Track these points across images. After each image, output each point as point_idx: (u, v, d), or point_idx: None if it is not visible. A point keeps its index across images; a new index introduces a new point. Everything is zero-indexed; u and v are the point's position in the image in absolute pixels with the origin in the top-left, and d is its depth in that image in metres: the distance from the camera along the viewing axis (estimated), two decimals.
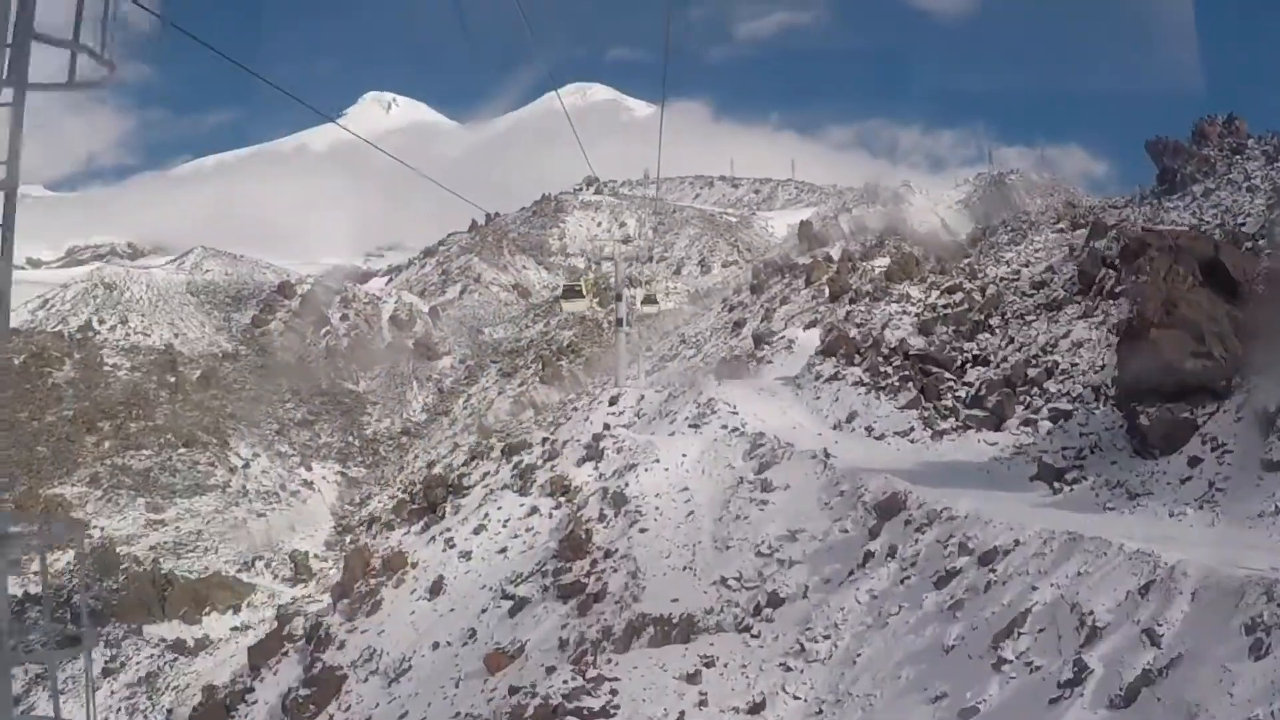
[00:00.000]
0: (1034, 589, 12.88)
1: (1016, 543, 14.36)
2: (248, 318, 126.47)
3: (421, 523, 30.15)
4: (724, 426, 25.70)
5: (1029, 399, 25.82)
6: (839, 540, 18.58)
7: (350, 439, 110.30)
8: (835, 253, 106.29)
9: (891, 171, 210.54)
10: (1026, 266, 45.50)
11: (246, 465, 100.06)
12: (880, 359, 29.19)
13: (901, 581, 15.67)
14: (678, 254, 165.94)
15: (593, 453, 26.95)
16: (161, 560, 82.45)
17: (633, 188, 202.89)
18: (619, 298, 39.95)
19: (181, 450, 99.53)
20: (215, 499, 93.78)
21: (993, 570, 14.07)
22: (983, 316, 34.32)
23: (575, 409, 38.98)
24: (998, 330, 32.74)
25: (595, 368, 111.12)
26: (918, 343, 33.60)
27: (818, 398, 28.23)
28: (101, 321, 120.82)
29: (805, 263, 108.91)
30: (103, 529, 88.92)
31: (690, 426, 26.89)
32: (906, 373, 28.19)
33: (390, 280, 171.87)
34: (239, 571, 79.97)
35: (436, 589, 24.89)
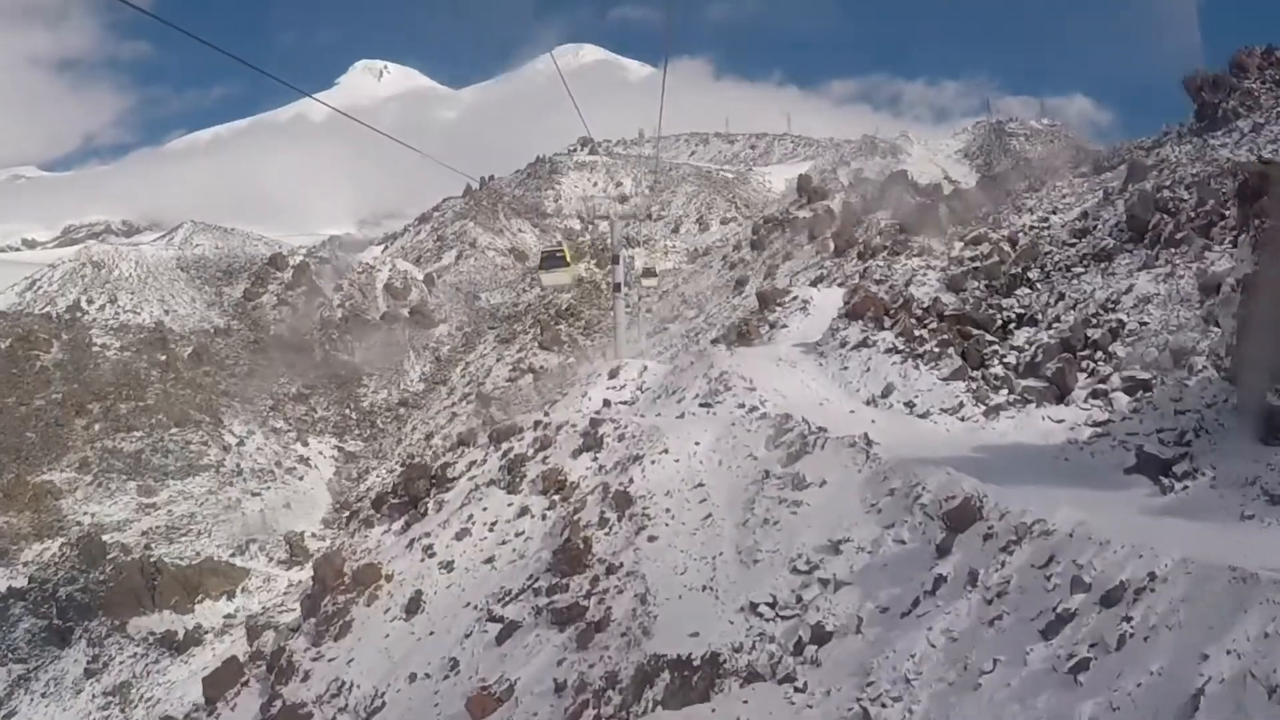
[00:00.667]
0: (1203, 656, 9.05)
1: (1152, 576, 10.53)
2: (239, 292, 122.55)
3: (402, 520, 26.36)
4: (741, 405, 21.85)
5: (1093, 366, 21.93)
6: (895, 554, 14.80)
7: (347, 412, 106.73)
8: (836, 206, 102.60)
9: (892, 124, 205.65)
10: (1054, 214, 41.53)
11: (241, 443, 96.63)
12: (913, 321, 25.25)
13: (991, 623, 11.83)
14: (675, 212, 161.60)
15: (591, 441, 23.05)
16: (154, 546, 79.24)
17: (627, 147, 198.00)
18: (616, 260, 35.88)
19: (173, 430, 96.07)
20: (208, 480, 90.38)
21: (1126, 619, 10.23)
22: (1020, 269, 30.39)
23: (573, 384, 34.91)
24: (1039, 285, 28.87)
25: (594, 330, 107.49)
26: (949, 301, 29.70)
27: (845, 368, 24.33)
28: (90, 301, 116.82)
29: (806, 217, 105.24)
30: (93, 515, 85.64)
31: (702, 406, 23.04)
32: (945, 336, 24.27)
33: (386, 249, 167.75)
34: (232, 556, 76.76)
35: (414, 607, 21.19)
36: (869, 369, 23.82)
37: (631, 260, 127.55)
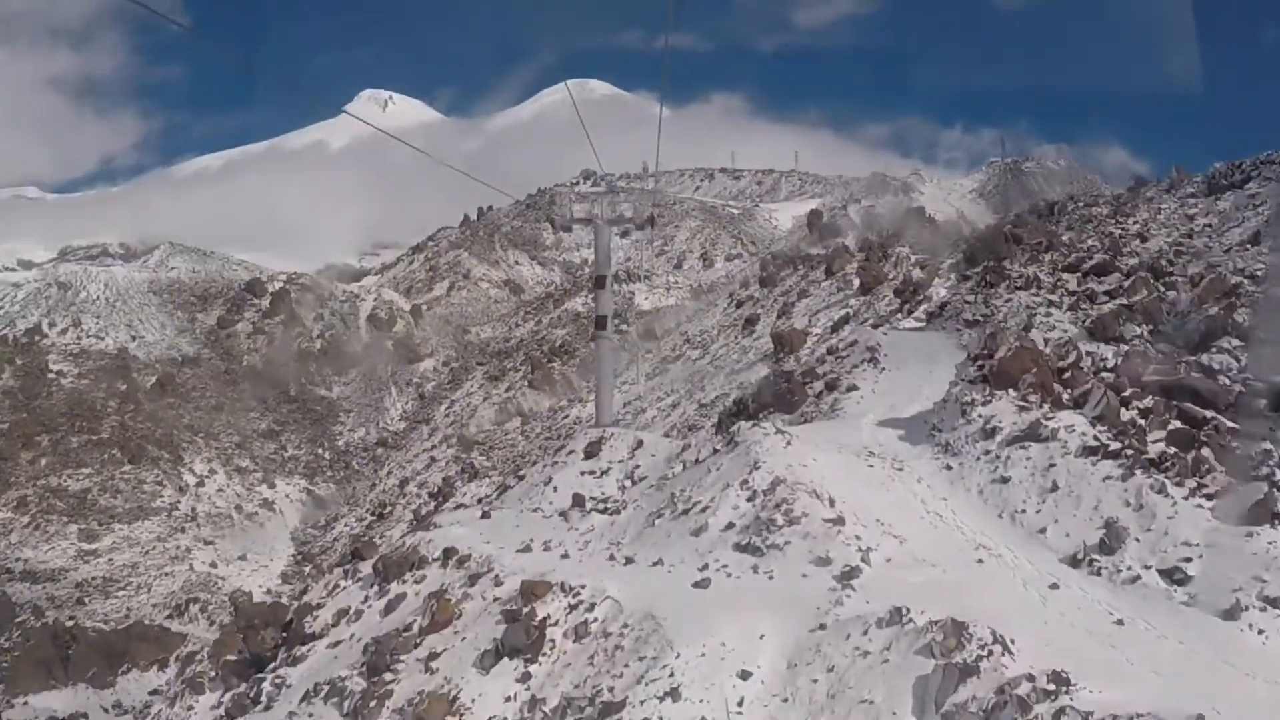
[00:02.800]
0: None
1: None
2: (213, 319, 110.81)
3: (229, 699, 14.80)
4: (823, 562, 10.58)
5: None
6: None
7: (320, 451, 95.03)
8: (851, 243, 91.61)
9: (901, 164, 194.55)
10: (1189, 238, 29.83)
11: (200, 483, 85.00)
12: (1112, 394, 13.61)
13: None
14: (678, 247, 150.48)
15: (520, 635, 11.41)
16: (87, 600, 67.62)
17: (630, 181, 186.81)
18: (601, 283, 24.55)
19: (126, 468, 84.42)
20: (159, 524, 78.69)
21: None
22: (1222, 310, 18.79)
23: (535, 461, 23.29)
24: (1259, 333, 17.35)
25: (589, 370, 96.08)
26: (1106, 355, 18.14)
27: (1003, 478, 13.00)
28: (52, 324, 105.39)
29: (819, 253, 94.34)
30: (25, 561, 73.85)
31: (740, 551, 11.84)
32: (1173, 425, 12.67)
33: (380, 278, 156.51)
34: (169, 618, 64.99)
35: None
36: (1056, 485, 12.26)
37: (631, 296, 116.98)
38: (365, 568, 16.42)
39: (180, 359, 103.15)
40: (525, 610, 11.66)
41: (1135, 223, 38.34)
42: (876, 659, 8.72)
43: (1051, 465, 12.90)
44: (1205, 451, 12.40)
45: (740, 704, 8.80)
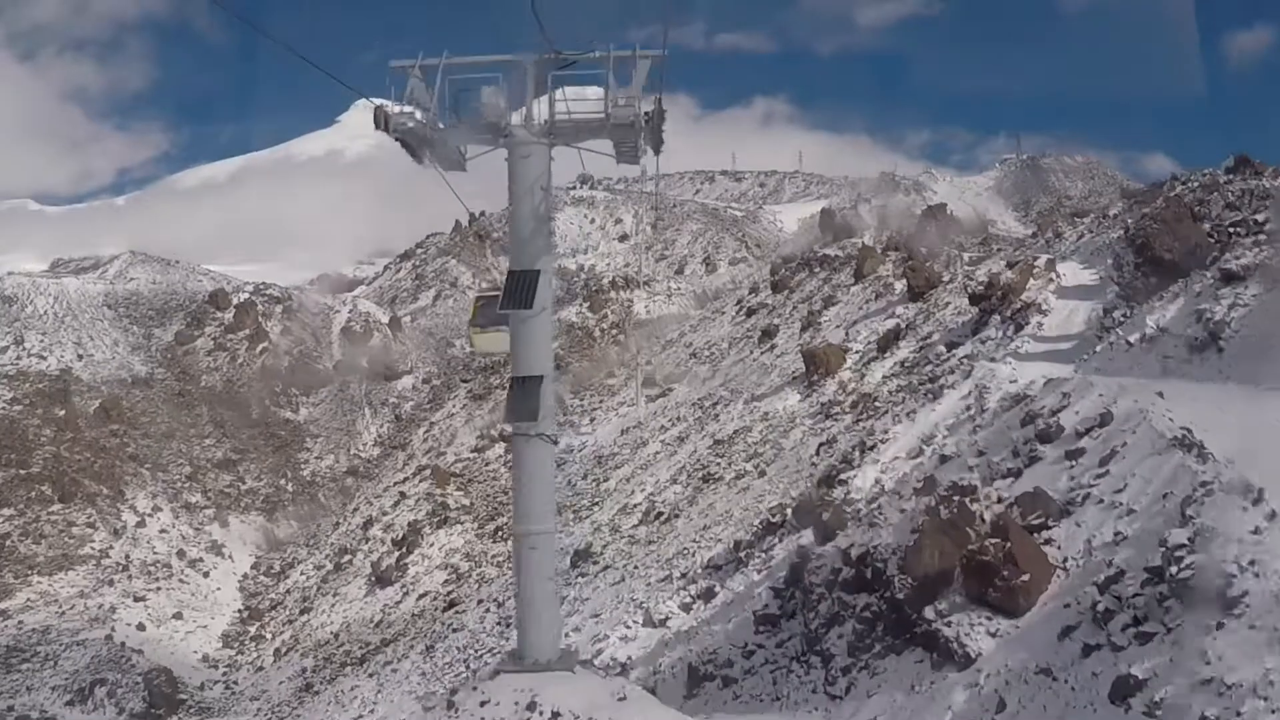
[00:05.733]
0: None
1: None
2: (171, 334, 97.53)
3: None
4: None
5: None
6: None
7: (282, 482, 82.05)
8: (868, 243, 78.72)
9: (907, 165, 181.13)
10: None
11: (140, 524, 72.16)
12: None
13: None
14: (679, 251, 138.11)
15: None
16: None
17: (628, 184, 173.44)
18: (521, 297, 10.96)
19: (55, 507, 71.60)
20: (84, 576, 65.91)
21: None
22: None
23: None
24: None
25: (584, 388, 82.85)
26: None
27: None
28: None
29: (837, 255, 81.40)
30: None
31: None
32: None
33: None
34: (70, 703, 52.01)
35: None
36: None
37: (630, 304, 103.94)
38: None
39: (130, 380, 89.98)
40: None
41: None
42: None
43: None
44: None
45: None
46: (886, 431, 23.75)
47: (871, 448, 21.47)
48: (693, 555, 27.65)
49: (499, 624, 37.85)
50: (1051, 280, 34.17)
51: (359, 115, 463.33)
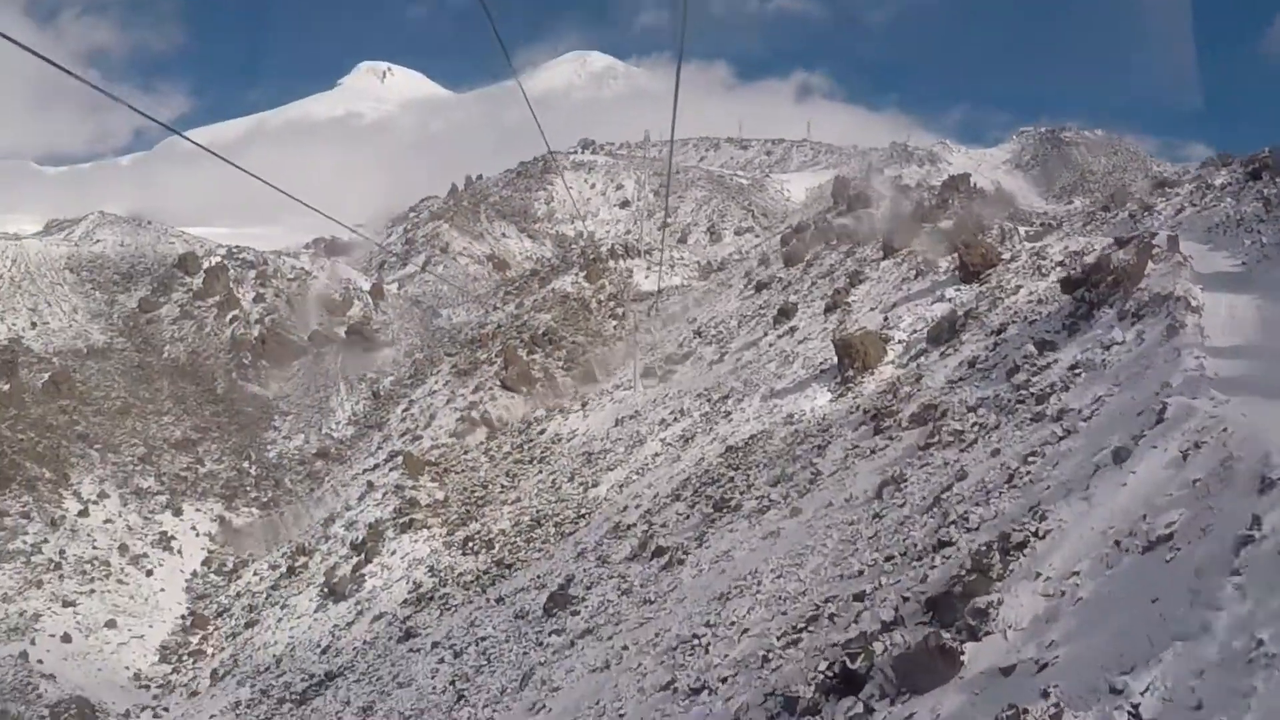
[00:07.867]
0: None
1: None
2: (135, 301, 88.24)
3: None
4: None
5: None
6: None
7: (245, 465, 73.05)
8: (883, 214, 69.60)
9: (920, 135, 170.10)
10: None
11: (83, 512, 63.16)
12: None
13: None
14: (683, 219, 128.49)
15: None
16: None
17: (631, 150, 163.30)
18: None
19: None
20: (10, 576, 57.27)
21: None
22: None
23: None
24: None
25: (577, 363, 73.84)
26: None
27: None
28: None
29: (849, 224, 72.75)
30: None
31: None
32: None
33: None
34: None
35: None
36: None
37: (630, 274, 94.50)
38: None
39: (86, 350, 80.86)
40: None
41: None
42: None
43: None
44: None
45: None
46: (1037, 507, 14.40)
47: (1022, 545, 12.27)
48: (706, 650, 18.41)
49: (451, 684, 29.01)
50: (1181, 264, 24.83)
51: (361, 78, 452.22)
